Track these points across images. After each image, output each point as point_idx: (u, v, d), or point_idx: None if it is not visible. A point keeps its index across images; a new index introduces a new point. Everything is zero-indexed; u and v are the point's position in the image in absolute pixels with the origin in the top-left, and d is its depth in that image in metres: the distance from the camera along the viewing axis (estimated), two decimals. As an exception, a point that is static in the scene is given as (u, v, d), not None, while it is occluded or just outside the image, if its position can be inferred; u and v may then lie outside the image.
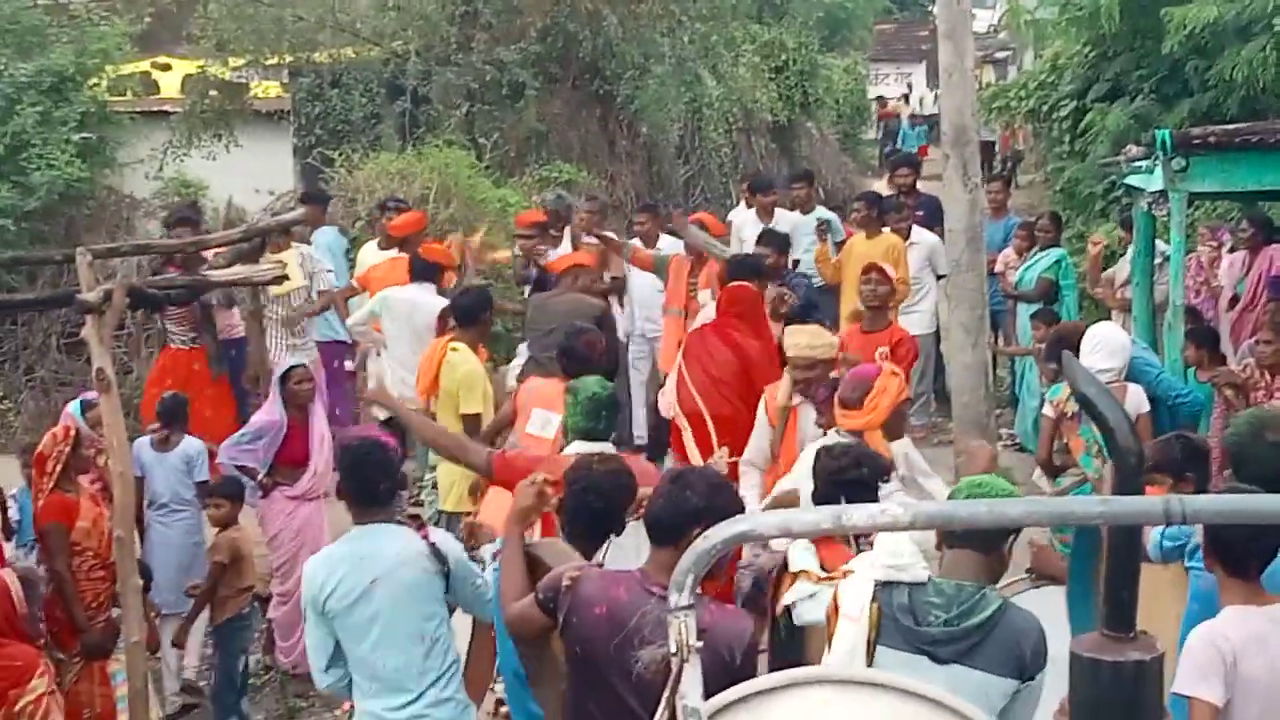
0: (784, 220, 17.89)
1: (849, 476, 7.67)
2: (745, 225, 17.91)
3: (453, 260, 15.19)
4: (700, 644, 3.31)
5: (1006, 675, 5.99)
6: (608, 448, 9.02)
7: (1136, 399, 10.64)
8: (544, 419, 10.37)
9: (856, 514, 3.22)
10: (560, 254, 15.50)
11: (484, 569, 7.85)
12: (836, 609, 6.39)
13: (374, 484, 7.61)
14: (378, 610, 7.38)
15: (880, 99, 55.57)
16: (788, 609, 7.31)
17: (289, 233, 15.48)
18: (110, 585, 10.16)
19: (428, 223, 16.39)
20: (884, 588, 6.20)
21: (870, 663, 6.10)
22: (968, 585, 6.10)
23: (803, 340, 10.75)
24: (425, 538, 7.58)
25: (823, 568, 7.45)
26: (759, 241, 15.42)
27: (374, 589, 7.38)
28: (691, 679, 3.25)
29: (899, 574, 6.19)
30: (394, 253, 15.61)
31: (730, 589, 9.01)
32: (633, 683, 5.97)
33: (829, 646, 6.36)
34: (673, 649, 3.27)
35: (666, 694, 3.49)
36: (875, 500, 7.34)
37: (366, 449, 7.69)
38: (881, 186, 24.54)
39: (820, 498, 7.72)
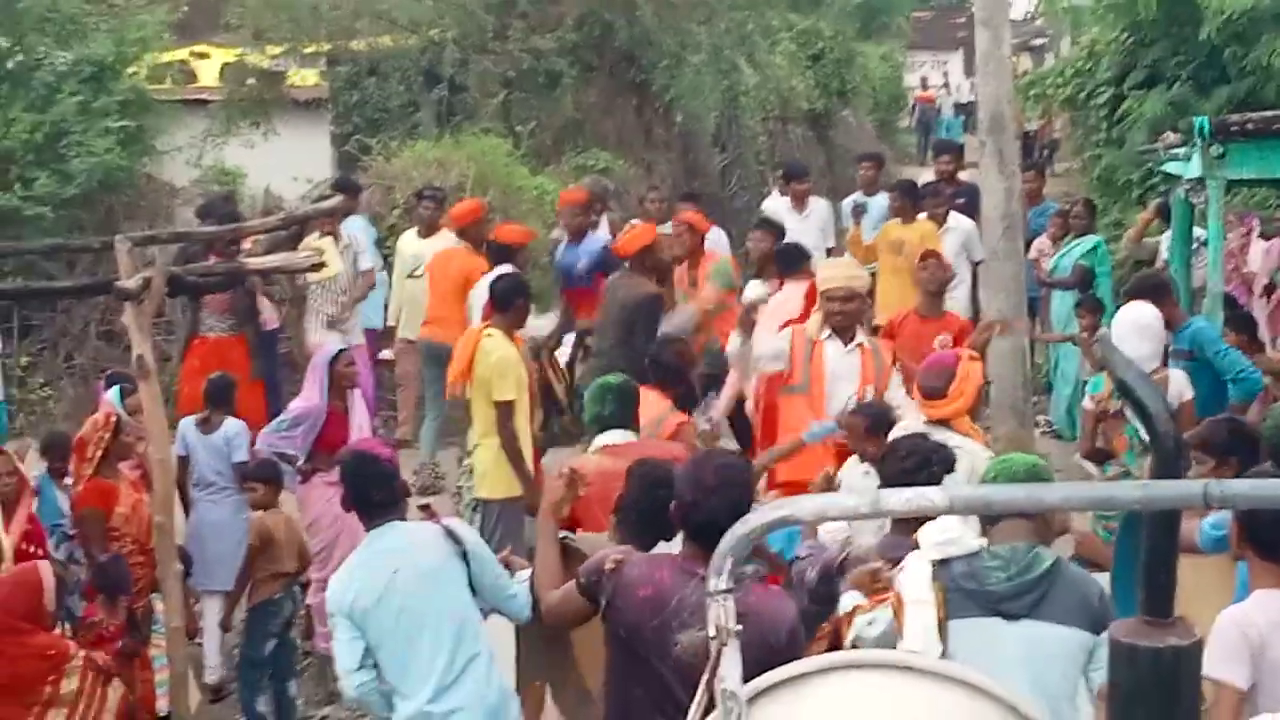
0: (818, 209, 17.93)
1: (920, 479, 7.61)
2: (778, 213, 17.90)
3: (527, 239, 15.29)
4: (741, 627, 3.32)
5: (1081, 626, 6.06)
6: (630, 436, 9.08)
7: (1179, 386, 10.60)
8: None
9: (894, 499, 3.23)
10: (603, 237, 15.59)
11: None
12: (901, 604, 6.41)
13: (368, 494, 7.72)
14: (405, 598, 7.42)
15: (923, 81, 55.30)
16: (854, 645, 7.29)
17: (333, 218, 15.58)
18: (150, 571, 10.22)
19: (485, 210, 16.30)
20: (942, 565, 6.25)
21: (944, 641, 6.12)
22: (1019, 545, 6.16)
23: (839, 272, 10.80)
24: (438, 522, 7.69)
25: None
26: (757, 226, 15.53)
27: (397, 579, 7.43)
28: (730, 662, 3.27)
29: (952, 548, 6.25)
30: (445, 239, 15.73)
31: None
32: (675, 665, 5.99)
33: (901, 638, 6.37)
34: (711, 632, 3.29)
35: (705, 677, 3.51)
36: None
37: (357, 461, 7.88)
38: (918, 174, 24.50)
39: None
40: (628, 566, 6.34)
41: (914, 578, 6.35)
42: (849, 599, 7.10)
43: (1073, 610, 6.10)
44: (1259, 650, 6.32)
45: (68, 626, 9.23)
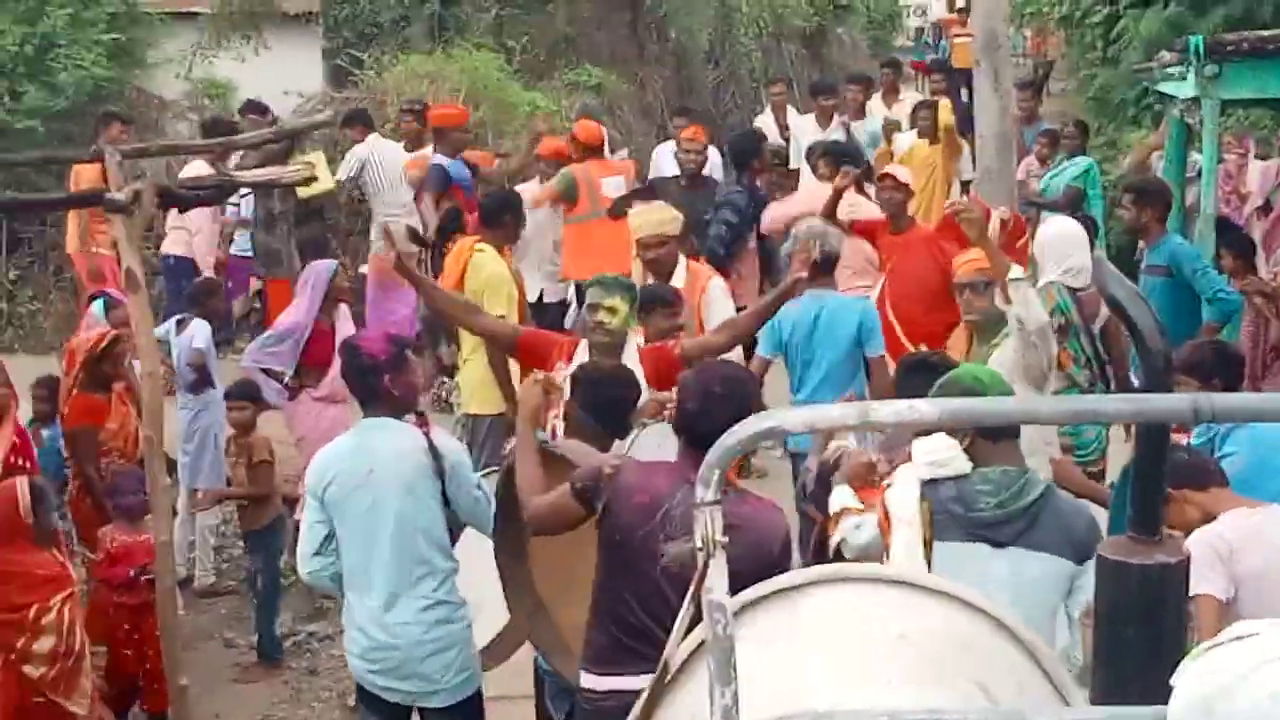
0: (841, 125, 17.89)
1: (921, 359, 7.90)
2: (804, 131, 17.87)
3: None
4: (727, 539, 3.30)
5: (1066, 556, 6.09)
6: None
7: None
8: None
9: (883, 410, 3.20)
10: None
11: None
12: (888, 519, 6.43)
13: (352, 383, 7.98)
14: (373, 500, 7.53)
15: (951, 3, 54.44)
16: (838, 548, 7.30)
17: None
18: (137, 485, 10.21)
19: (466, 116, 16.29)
20: (930, 485, 6.27)
21: (929, 560, 6.15)
22: (1011, 470, 6.18)
23: (650, 218, 10.91)
24: (426, 434, 7.69)
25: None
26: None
27: (370, 479, 7.54)
28: (717, 573, 3.25)
29: (942, 469, 6.27)
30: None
31: None
32: (671, 575, 6.00)
33: (886, 555, 6.39)
34: (698, 543, 3.27)
35: (692, 589, 3.49)
36: None
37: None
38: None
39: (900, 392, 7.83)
40: (624, 473, 6.38)
41: (902, 496, 6.37)
42: (838, 496, 7.12)
43: (1060, 539, 6.13)
44: (1229, 560, 6.45)
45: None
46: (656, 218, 11.01)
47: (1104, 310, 10.49)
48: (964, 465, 6.30)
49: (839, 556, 7.14)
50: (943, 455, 6.32)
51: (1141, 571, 3.78)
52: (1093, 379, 10.46)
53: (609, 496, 6.34)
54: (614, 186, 14.27)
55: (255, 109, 17.64)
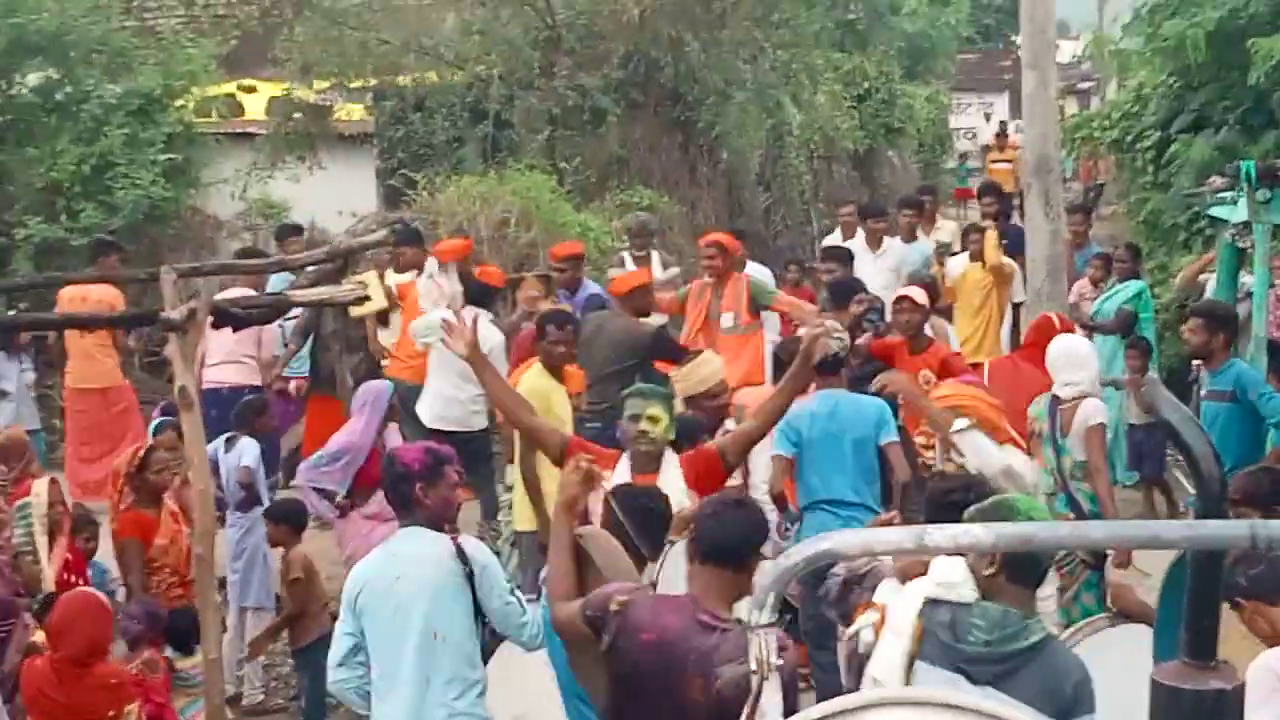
0: (893, 248, 17.84)
1: (953, 499, 7.68)
2: (855, 253, 17.90)
3: (504, 282, 15.23)
4: (780, 662, 3.31)
5: (1043, 710, 5.88)
6: None
7: (1088, 412, 10.63)
8: None
9: (938, 534, 3.22)
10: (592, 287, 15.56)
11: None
12: (883, 622, 6.41)
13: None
14: (399, 604, 7.54)
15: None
16: (855, 636, 7.27)
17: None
18: (189, 601, 10.24)
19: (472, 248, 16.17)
20: (931, 605, 6.21)
21: (908, 677, 6.10)
22: (1014, 611, 6.06)
23: (702, 374, 10.86)
24: (454, 540, 7.73)
25: None
26: (823, 257, 15.69)
27: (398, 585, 7.56)
28: (771, 697, 3.25)
29: (946, 593, 6.19)
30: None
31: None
32: (677, 711, 6.01)
33: (872, 658, 6.37)
34: (753, 666, 3.27)
35: (746, 711, 3.49)
36: None
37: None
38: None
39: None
40: (633, 609, 6.26)
41: (903, 606, 6.33)
42: (885, 591, 7.09)
43: (1037, 694, 5.91)
44: None
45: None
46: (703, 374, 10.97)
47: (1081, 415, 10.57)
48: (968, 595, 6.19)
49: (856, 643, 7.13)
50: (955, 579, 6.24)
51: (1195, 698, 3.76)
52: (1055, 488, 10.64)
53: (615, 631, 6.25)
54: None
55: (294, 231, 17.84)
